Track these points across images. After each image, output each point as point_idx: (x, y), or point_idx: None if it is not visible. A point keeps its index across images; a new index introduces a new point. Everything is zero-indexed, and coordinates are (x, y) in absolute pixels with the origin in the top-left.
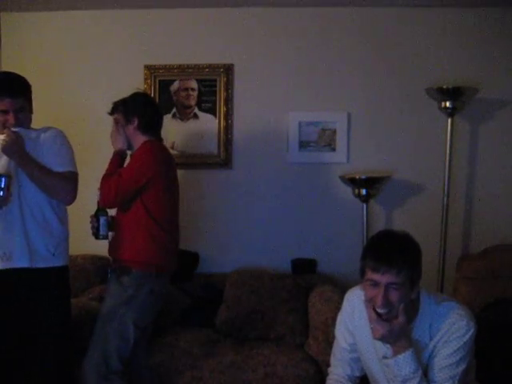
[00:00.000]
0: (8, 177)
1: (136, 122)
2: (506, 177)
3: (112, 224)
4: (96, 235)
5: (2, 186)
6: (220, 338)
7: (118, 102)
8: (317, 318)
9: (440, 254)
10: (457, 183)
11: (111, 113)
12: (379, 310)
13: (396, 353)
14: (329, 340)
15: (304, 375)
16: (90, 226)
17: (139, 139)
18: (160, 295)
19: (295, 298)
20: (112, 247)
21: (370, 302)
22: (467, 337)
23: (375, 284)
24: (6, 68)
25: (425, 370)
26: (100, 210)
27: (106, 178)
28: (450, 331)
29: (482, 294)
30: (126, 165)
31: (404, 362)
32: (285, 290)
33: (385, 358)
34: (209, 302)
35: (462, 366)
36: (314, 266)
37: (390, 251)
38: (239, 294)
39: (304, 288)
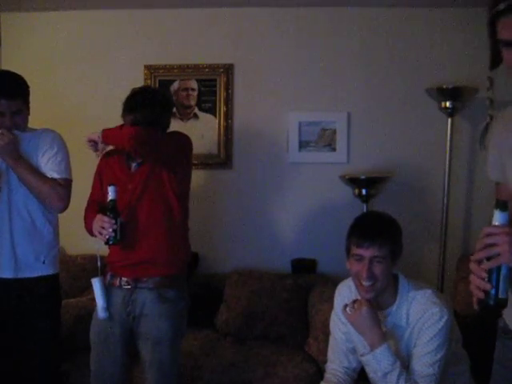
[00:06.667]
0: None
1: None
2: None
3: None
4: (111, 240)
5: None
6: (220, 338)
7: (156, 104)
8: (317, 318)
9: (440, 254)
10: (457, 183)
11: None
12: (364, 283)
13: (372, 347)
14: (329, 340)
15: (304, 375)
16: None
17: None
18: None
19: (295, 298)
20: (134, 255)
21: (355, 276)
22: (441, 323)
23: (360, 259)
24: (5, 68)
25: (404, 358)
26: (115, 211)
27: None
28: (423, 318)
29: None
30: None
31: (382, 356)
32: (285, 289)
33: (362, 355)
34: (209, 301)
35: (441, 353)
36: (314, 266)
37: (373, 227)
38: (239, 294)
39: (304, 288)
